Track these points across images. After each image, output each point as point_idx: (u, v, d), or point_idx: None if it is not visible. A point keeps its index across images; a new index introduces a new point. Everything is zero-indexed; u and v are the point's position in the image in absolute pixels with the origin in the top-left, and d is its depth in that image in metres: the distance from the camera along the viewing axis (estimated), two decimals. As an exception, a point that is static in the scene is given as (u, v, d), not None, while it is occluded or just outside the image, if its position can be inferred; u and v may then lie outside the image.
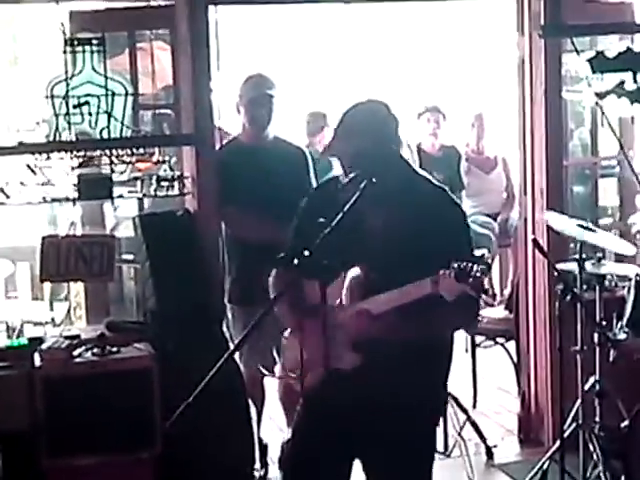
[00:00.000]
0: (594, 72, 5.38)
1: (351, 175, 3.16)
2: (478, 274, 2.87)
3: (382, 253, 3.13)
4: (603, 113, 5.69)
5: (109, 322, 4.91)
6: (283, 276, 3.38)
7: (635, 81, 5.40)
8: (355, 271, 3.20)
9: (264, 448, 5.30)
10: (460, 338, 7.04)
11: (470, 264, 2.88)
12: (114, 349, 4.63)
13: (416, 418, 3.25)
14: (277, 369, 5.27)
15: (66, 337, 4.73)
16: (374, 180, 3.10)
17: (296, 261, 2.97)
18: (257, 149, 5.18)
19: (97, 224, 5.38)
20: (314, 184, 5.31)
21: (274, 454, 5.36)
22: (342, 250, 3.07)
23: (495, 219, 7.97)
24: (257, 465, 5.13)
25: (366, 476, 3.42)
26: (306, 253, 2.96)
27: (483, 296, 3.09)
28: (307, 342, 3.20)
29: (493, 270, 7.85)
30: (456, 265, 2.89)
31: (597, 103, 5.58)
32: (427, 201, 3.23)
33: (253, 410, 5.11)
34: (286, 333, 3.43)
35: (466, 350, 6.86)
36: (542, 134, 5.49)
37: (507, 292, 7.58)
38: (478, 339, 6.44)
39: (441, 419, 3.60)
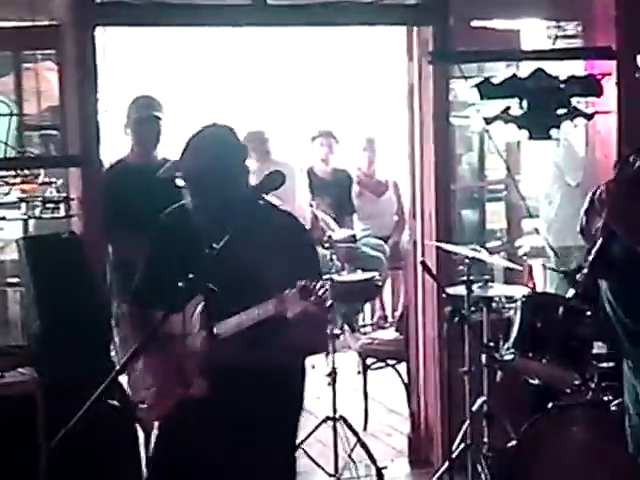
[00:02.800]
0: (482, 98, 5.48)
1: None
2: (321, 292, 2.91)
3: (230, 278, 3.09)
4: (490, 138, 5.78)
5: (-8, 347, 4.80)
6: (136, 310, 3.50)
7: (521, 107, 5.52)
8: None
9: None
10: (352, 360, 7.07)
11: (314, 283, 2.92)
12: (-4, 374, 4.52)
13: (270, 449, 3.28)
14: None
15: (-53, 363, 4.61)
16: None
17: (181, 284, 2.96)
18: (145, 170, 5.11)
19: (-19, 247, 5.24)
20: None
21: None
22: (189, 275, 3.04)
23: (386, 241, 8.05)
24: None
25: None
26: (190, 276, 2.95)
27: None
28: (157, 372, 3.28)
29: (385, 292, 7.92)
30: (301, 283, 2.93)
31: (484, 128, 5.68)
32: (274, 226, 3.25)
33: (141, 434, 5.03)
34: (137, 365, 3.40)
35: (358, 372, 6.89)
36: (431, 159, 5.55)
37: (398, 314, 7.65)
38: (369, 361, 6.47)
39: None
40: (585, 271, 4.10)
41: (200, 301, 3.15)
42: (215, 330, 3.11)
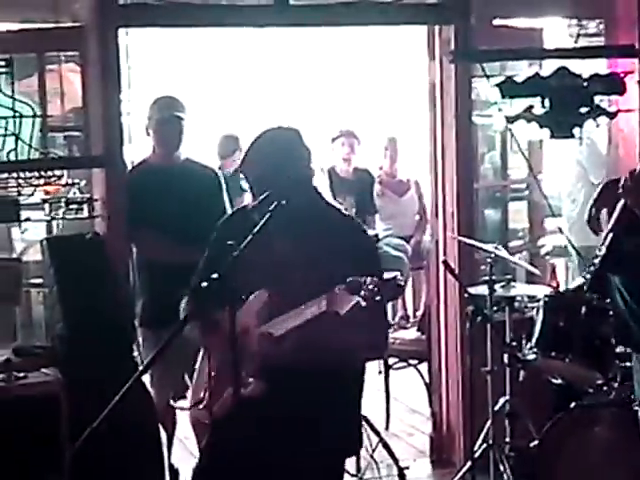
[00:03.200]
0: (504, 97, 5.47)
1: (262, 196, 3.14)
2: (371, 286, 2.89)
3: (288, 277, 3.13)
4: (513, 137, 5.77)
5: (16, 347, 4.82)
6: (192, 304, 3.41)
7: (543, 105, 5.50)
8: (261, 295, 3.18)
9: (175, 473, 5.24)
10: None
11: (364, 278, 2.90)
12: (21, 374, 4.53)
13: (326, 452, 3.23)
14: (189, 394, 5.22)
15: (-29, 362, 4.63)
16: (284, 202, 3.10)
17: (205, 284, 2.96)
18: (167, 171, 5.15)
19: (5, 248, 5.27)
20: (227, 205, 5.29)
21: (185, 479, 5.30)
22: (248, 273, 3.06)
23: (408, 241, 8.04)
24: (168, 491, 5.07)
25: None
26: (215, 276, 2.95)
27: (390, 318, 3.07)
28: (216, 370, 3.22)
29: (406, 292, 7.92)
30: (349, 279, 2.91)
31: (507, 127, 5.67)
32: (335, 228, 3.25)
33: (164, 435, 5.05)
34: (198, 362, 3.41)
35: (379, 372, 6.89)
36: (453, 158, 5.55)
37: (419, 314, 7.64)
38: (391, 361, 6.47)
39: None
40: (595, 266, 4.07)
41: (258, 297, 3.15)
42: (269, 328, 3.10)
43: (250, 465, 3.20)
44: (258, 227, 3.05)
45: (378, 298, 2.88)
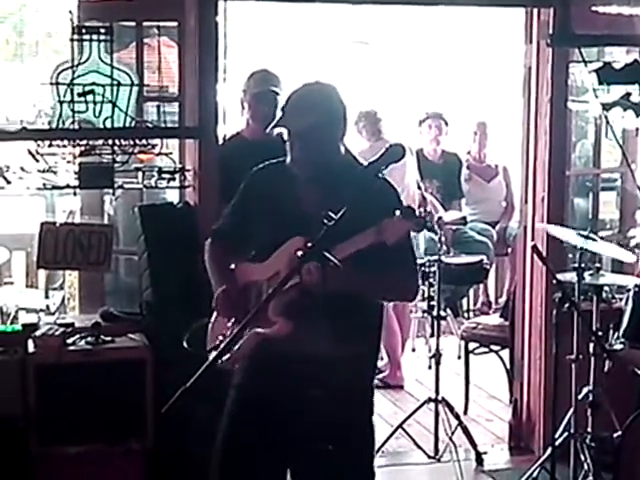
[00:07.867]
0: (600, 83, 5.38)
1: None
2: (423, 213, 3.08)
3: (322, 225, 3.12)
4: (608, 124, 5.68)
5: (104, 312, 4.89)
6: (216, 248, 3.62)
7: (641, 94, 5.41)
8: (297, 241, 3.17)
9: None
10: (453, 344, 7.05)
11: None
12: (108, 339, 4.61)
13: (350, 402, 3.22)
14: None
15: (60, 325, 4.71)
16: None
17: (300, 253, 3.01)
18: (260, 145, 5.14)
19: (96, 214, 5.34)
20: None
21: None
22: (280, 222, 3.18)
23: (494, 227, 7.98)
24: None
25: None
26: (310, 245, 3.00)
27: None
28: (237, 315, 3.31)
29: (489, 278, 7.87)
30: (401, 208, 3.08)
31: (602, 114, 5.58)
32: (362, 179, 3.19)
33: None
34: (214, 314, 3.47)
35: (459, 357, 6.86)
36: (546, 143, 5.48)
37: (502, 300, 7.59)
38: (472, 346, 6.43)
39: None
40: None
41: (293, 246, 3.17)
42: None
43: (274, 422, 3.23)
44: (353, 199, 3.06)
45: (429, 225, 3.08)
